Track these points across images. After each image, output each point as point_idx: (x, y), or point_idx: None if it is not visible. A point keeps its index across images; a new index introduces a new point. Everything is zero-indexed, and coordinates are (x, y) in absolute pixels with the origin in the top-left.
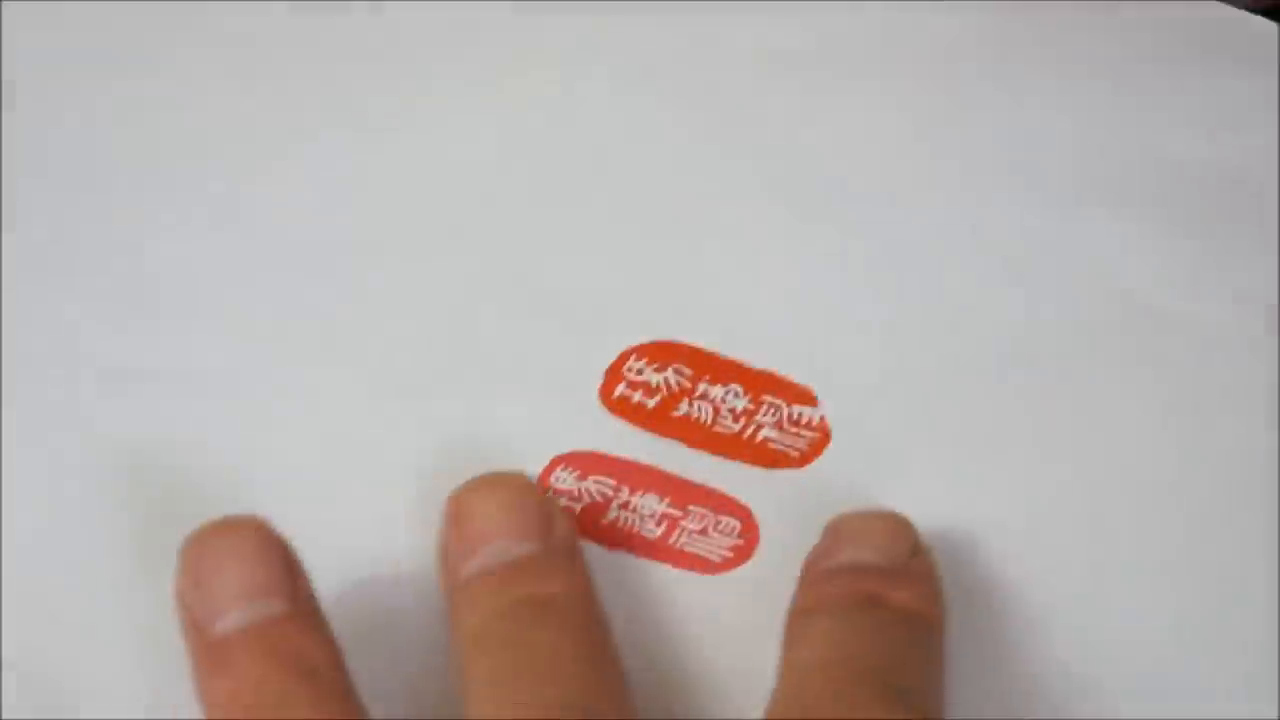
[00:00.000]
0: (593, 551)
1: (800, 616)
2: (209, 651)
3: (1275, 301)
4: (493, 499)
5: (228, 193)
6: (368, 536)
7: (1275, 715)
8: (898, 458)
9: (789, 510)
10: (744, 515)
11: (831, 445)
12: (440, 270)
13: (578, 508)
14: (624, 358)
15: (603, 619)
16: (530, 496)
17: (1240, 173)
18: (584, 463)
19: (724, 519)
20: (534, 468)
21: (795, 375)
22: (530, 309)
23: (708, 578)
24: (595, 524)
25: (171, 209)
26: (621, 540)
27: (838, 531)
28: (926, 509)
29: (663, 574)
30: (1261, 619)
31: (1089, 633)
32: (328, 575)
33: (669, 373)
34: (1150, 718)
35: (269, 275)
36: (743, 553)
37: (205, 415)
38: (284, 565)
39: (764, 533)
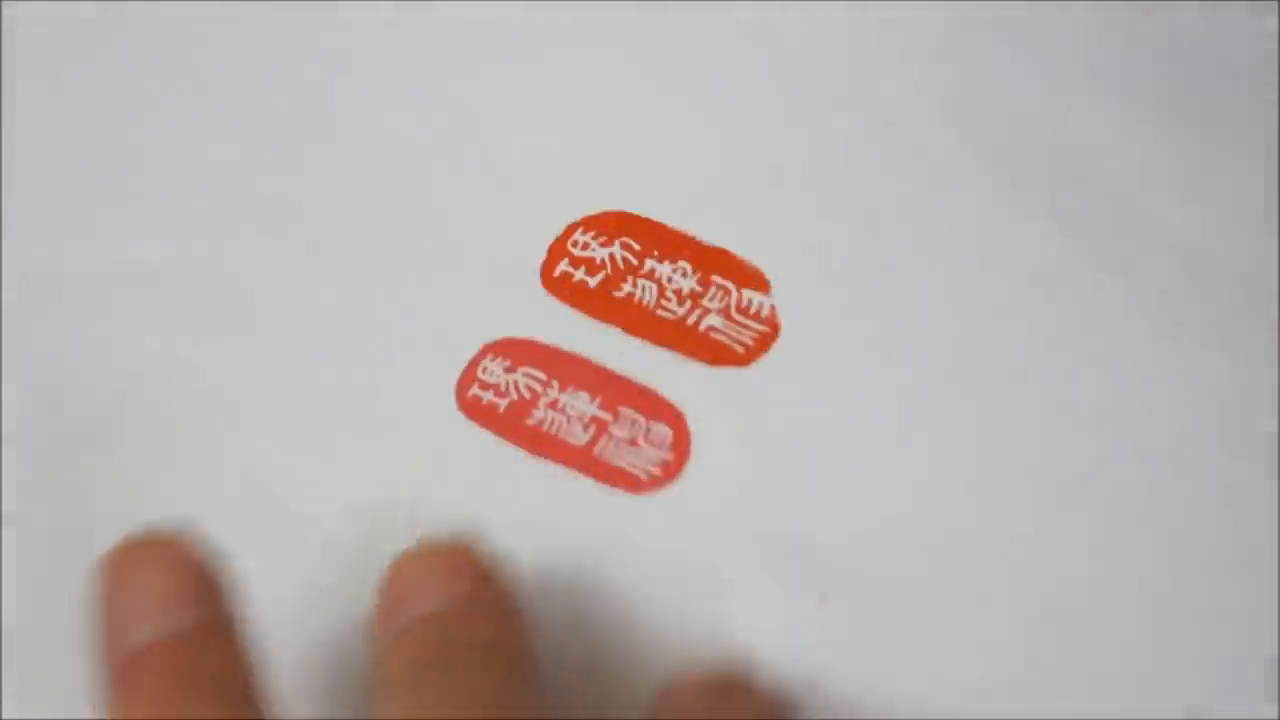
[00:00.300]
0: (512, 456)
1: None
2: (112, 670)
3: (1276, 220)
4: (425, 560)
5: (176, 61)
6: (295, 415)
7: (1275, 715)
8: (847, 363)
9: (726, 420)
10: (677, 422)
11: (779, 343)
12: (386, 137)
13: (503, 403)
14: (570, 230)
15: (533, 672)
16: (464, 556)
17: (1244, 69)
18: (515, 351)
19: (655, 426)
20: (464, 353)
21: (750, 257)
22: (479, 182)
23: (631, 498)
24: (520, 423)
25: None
26: (545, 445)
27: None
28: (874, 425)
29: (584, 488)
30: (1262, 608)
31: (1074, 612)
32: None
33: (616, 247)
34: (1149, 717)
35: (206, 150)
36: (671, 470)
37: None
38: (198, 580)
39: (696, 445)
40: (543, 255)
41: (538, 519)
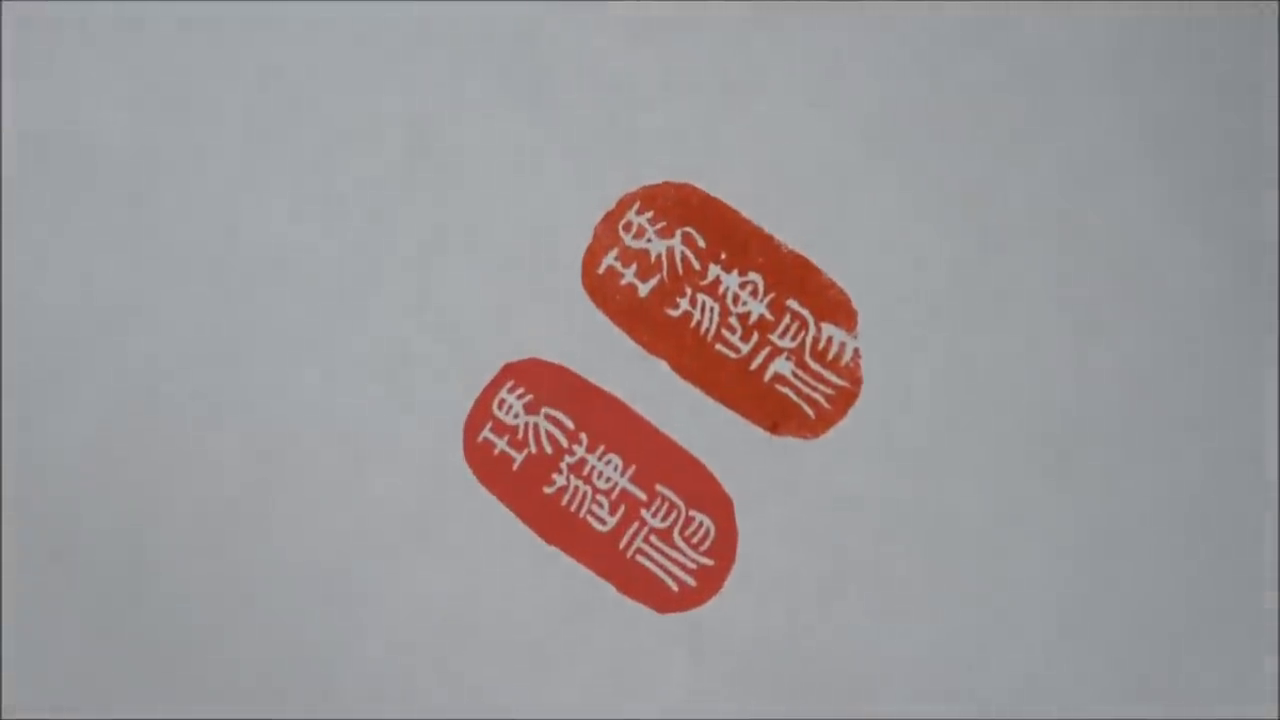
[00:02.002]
0: (521, 537)
1: None
2: None
3: None
4: None
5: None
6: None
7: (1275, 715)
8: (936, 442)
9: (783, 515)
10: (723, 515)
11: (861, 403)
12: (431, 81)
13: (519, 457)
14: (625, 205)
15: None
16: None
17: None
18: (540, 380)
19: (697, 517)
20: (482, 371)
21: (834, 273)
22: (519, 139)
23: (657, 618)
24: (537, 491)
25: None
26: (563, 529)
27: None
28: (956, 536)
29: (602, 598)
30: (1262, 616)
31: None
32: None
33: (676, 239)
34: (1150, 717)
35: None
36: (710, 581)
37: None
38: None
39: (743, 547)
40: (588, 238)
41: (540, 632)
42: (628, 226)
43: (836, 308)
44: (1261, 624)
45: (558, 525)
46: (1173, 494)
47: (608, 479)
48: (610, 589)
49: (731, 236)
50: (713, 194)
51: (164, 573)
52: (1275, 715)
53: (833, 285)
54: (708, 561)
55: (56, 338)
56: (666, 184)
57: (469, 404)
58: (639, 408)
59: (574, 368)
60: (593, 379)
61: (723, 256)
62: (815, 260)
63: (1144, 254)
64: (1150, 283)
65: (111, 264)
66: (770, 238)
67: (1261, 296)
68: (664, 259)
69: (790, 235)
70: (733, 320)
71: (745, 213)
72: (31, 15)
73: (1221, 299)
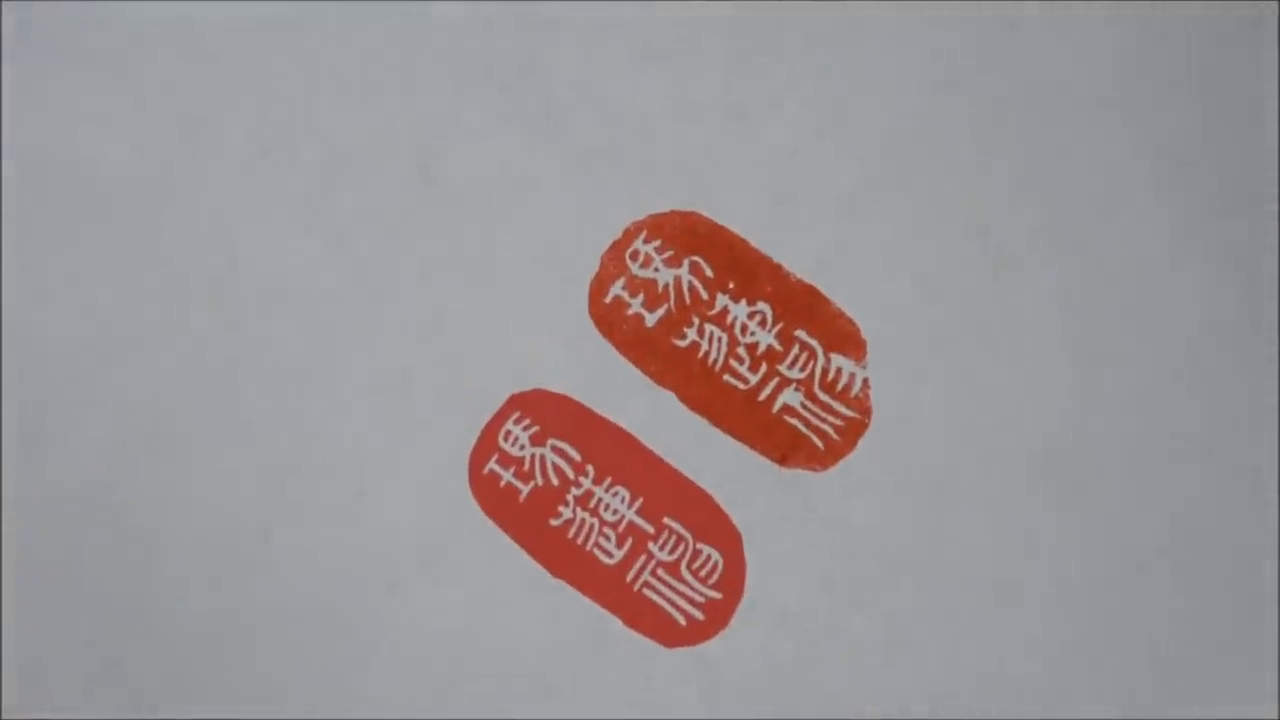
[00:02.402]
0: (526, 570)
1: None
2: None
3: None
4: None
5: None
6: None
7: (1275, 715)
8: (944, 473)
9: (792, 548)
10: (731, 547)
11: (870, 434)
12: (436, 109)
13: (525, 489)
14: (631, 234)
15: None
16: None
17: None
18: (546, 412)
19: (705, 550)
20: (487, 402)
21: (842, 302)
22: (525, 164)
23: (664, 653)
24: (542, 524)
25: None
26: (569, 562)
27: None
28: (966, 565)
29: (609, 631)
30: (1263, 616)
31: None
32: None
33: (684, 269)
34: (1151, 717)
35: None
36: (718, 615)
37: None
38: None
39: (751, 580)
40: (595, 267)
41: (546, 666)
42: (635, 255)
43: (845, 338)
44: (1262, 626)
45: (564, 558)
46: (1179, 518)
47: (615, 511)
48: (617, 623)
49: (739, 265)
50: (720, 222)
51: (165, 591)
52: (1275, 715)
53: (841, 315)
54: (715, 595)
55: (59, 362)
56: (673, 212)
57: (474, 435)
58: (646, 439)
59: (580, 398)
60: (599, 410)
61: (731, 286)
62: (824, 289)
63: (1150, 279)
64: (1156, 308)
65: (114, 290)
66: (778, 267)
67: (1268, 321)
68: (671, 288)
69: (798, 264)
70: (741, 350)
71: (753, 241)
72: (33, 42)
73: (1228, 324)
